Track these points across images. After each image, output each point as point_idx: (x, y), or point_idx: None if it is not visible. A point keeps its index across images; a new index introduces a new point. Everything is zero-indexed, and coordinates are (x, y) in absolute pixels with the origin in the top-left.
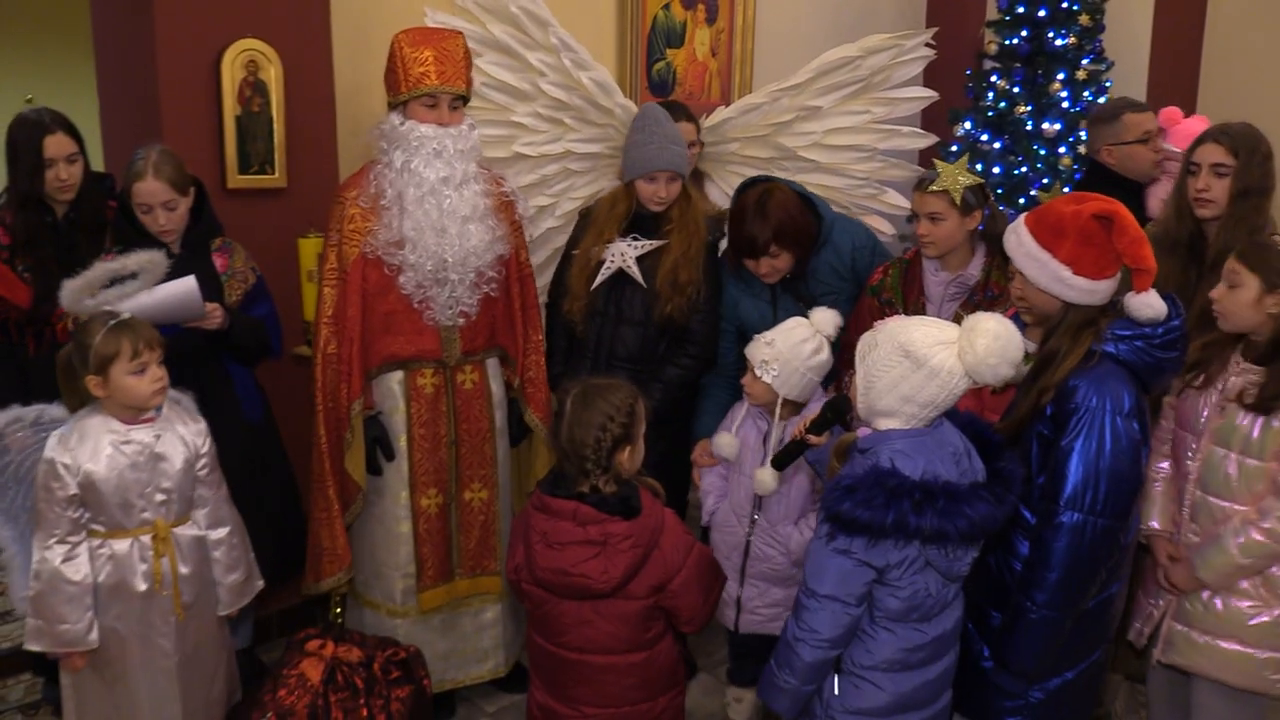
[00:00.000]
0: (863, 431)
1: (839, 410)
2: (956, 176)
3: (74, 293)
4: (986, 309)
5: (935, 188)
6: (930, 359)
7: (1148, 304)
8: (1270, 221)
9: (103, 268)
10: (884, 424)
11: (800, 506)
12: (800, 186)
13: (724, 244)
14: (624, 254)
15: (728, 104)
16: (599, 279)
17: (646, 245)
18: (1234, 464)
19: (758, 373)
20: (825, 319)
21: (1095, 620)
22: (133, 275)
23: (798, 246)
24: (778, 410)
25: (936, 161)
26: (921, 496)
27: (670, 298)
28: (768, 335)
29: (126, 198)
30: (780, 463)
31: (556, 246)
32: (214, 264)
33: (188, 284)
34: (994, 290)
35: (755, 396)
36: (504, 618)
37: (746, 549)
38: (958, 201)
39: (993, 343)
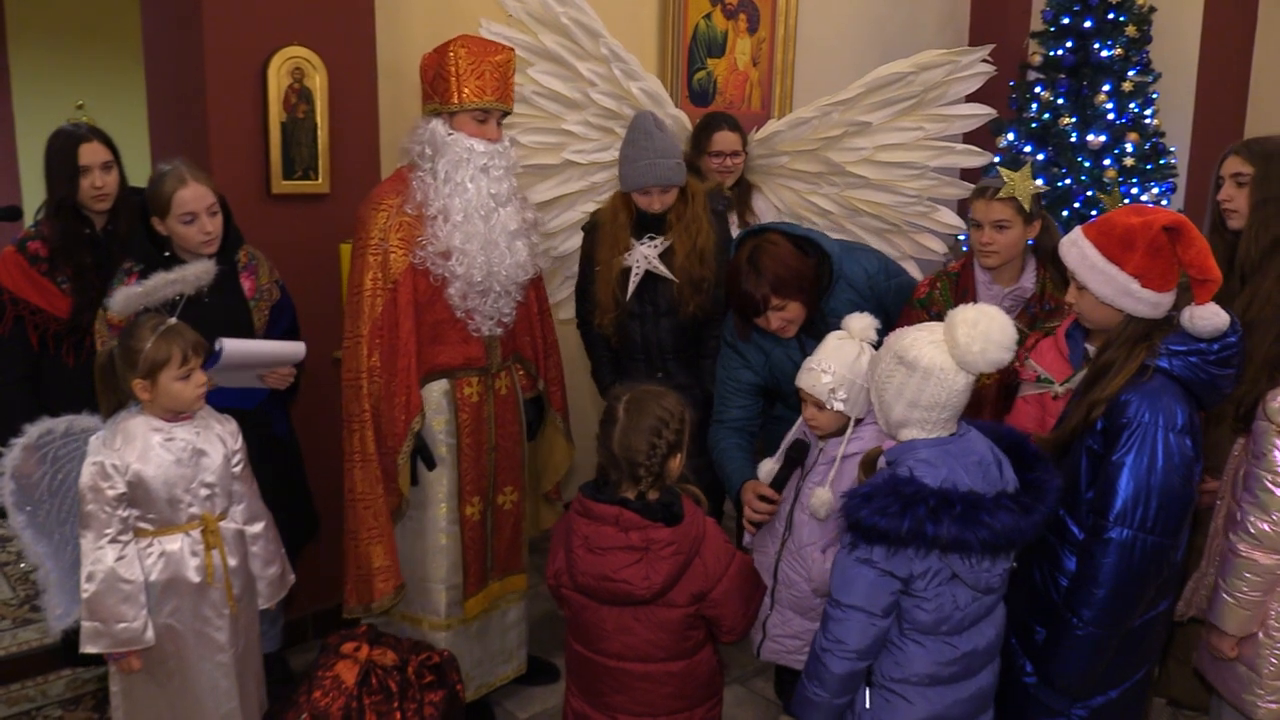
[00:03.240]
0: (887, 444)
1: None
2: (1025, 183)
3: (130, 299)
4: (1044, 320)
5: (1004, 194)
6: (920, 360)
7: (1214, 313)
8: None
9: (163, 278)
10: (904, 435)
11: (831, 533)
12: (796, 227)
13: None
14: (646, 256)
15: (768, 114)
16: (631, 287)
17: (664, 243)
18: None
19: (827, 404)
20: (864, 325)
21: (1141, 639)
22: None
23: (801, 293)
24: (849, 431)
25: (1001, 170)
26: (937, 504)
27: (691, 298)
28: (820, 364)
29: (151, 216)
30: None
31: None
32: (243, 290)
33: (298, 349)
34: (1050, 302)
35: (824, 428)
36: (525, 616)
37: (777, 572)
38: (1027, 208)
39: (971, 329)
